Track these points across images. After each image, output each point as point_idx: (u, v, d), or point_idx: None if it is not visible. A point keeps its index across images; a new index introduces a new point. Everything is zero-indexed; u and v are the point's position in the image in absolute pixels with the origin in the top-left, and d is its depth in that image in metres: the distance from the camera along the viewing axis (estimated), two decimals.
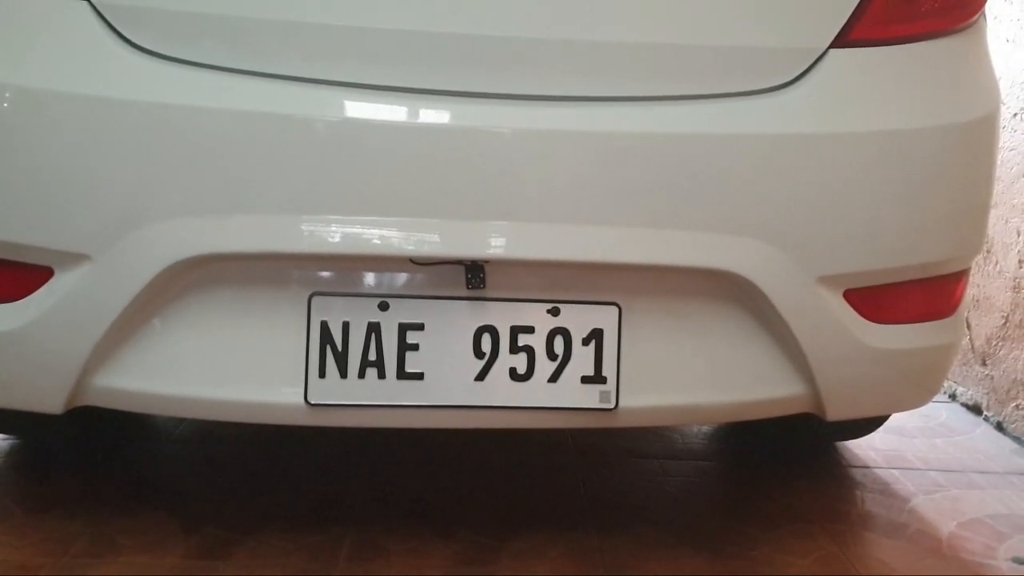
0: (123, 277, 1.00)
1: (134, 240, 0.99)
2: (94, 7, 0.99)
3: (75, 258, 1.01)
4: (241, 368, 1.05)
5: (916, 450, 1.78)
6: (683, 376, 1.12)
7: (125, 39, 1.00)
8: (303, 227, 1.00)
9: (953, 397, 2.13)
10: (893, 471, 1.66)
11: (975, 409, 2.04)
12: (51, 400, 1.07)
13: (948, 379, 2.14)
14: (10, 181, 1.00)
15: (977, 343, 2.05)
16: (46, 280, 1.03)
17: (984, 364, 2.03)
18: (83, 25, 0.99)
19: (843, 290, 1.13)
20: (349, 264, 1.07)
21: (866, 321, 1.14)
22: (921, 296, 1.19)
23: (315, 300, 1.05)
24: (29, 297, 1.03)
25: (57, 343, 1.03)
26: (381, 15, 1.01)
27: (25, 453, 1.57)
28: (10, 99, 0.99)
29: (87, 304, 1.02)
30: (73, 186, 0.99)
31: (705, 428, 1.83)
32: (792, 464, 1.67)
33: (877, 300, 1.15)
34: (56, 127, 0.99)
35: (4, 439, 1.60)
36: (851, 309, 1.13)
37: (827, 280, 1.10)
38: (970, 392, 2.07)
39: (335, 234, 1.00)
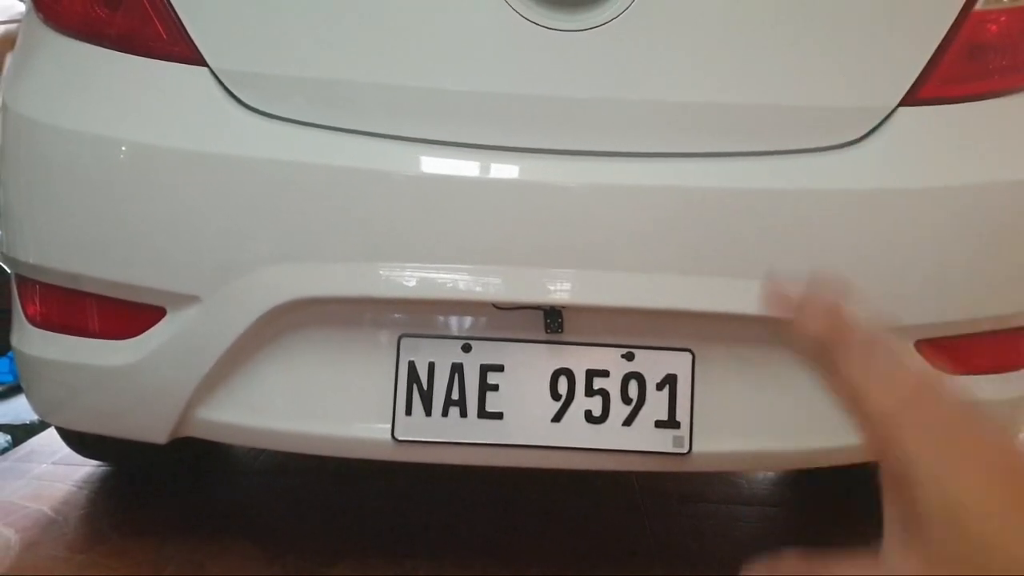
0: (229, 318, 1.08)
1: (240, 284, 1.07)
2: (214, 73, 1.10)
3: (186, 299, 1.09)
4: (333, 405, 1.12)
5: None
6: (755, 422, 1.14)
7: (239, 100, 1.10)
8: (395, 274, 1.06)
9: None
10: None
11: None
12: (158, 431, 1.15)
13: None
14: (131, 228, 1.09)
15: None
16: (159, 319, 1.11)
17: None
18: (205, 89, 1.09)
19: (914, 340, 1.14)
20: (436, 308, 1.13)
21: (938, 372, 1.15)
22: (998, 347, 1.19)
23: (404, 341, 1.11)
24: (144, 334, 1.12)
25: (167, 377, 1.11)
26: (461, 77, 1.08)
27: (118, 480, 1.66)
28: (132, 155, 1.09)
29: (196, 342, 1.10)
30: (187, 233, 1.08)
31: (771, 474, 1.82)
32: (859, 511, 1.65)
33: (950, 351, 1.16)
34: (174, 180, 1.08)
35: (98, 466, 1.70)
36: (922, 360, 1.14)
37: (898, 331, 1.12)
38: None
39: (425, 280, 1.06)
